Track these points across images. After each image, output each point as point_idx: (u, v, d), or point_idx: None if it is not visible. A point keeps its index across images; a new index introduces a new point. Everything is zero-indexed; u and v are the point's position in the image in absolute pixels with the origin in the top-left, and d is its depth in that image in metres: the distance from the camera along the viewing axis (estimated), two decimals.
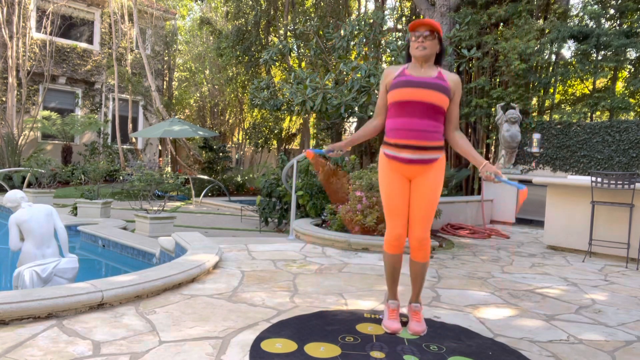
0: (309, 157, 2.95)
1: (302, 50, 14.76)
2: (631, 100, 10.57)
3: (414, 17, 13.90)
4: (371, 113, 7.42)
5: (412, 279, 2.82)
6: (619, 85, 12.11)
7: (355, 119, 12.83)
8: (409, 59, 2.77)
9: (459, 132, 2.75)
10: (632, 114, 11.28)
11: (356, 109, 7.37)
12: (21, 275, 3.88)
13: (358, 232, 5.73)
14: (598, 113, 12.07)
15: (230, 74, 17.54)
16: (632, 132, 8.31)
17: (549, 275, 4.56)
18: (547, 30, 9.84)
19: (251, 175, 15.42)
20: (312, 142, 18.41)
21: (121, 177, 13.03)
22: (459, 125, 2.78)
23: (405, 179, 2.71)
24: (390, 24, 14.38)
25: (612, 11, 10.20)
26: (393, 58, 8.26)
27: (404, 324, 2.85)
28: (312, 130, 18.19)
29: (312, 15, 16.22)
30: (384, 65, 9.70)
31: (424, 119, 2.59)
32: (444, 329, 2.86)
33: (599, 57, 9.72)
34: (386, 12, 12.25)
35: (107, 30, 17.60)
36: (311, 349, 2.46)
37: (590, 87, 12.01)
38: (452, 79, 2.67)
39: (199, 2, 18.30)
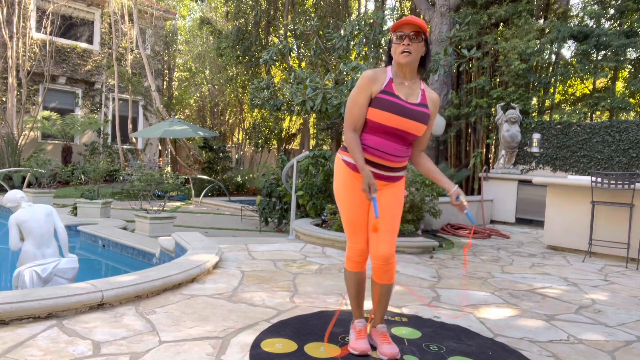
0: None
1: (302, 50, 14.76)
2: (631, 100, 10.58)
3: None
4: None
5: (375, 301, 2.52)
6: (619, 85, 12.11)
7: None
8: (389, 60, 2.46)
9: (424, 155, 2.58)
10: (632, 114, 11.28)
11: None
12: (21, 275, 3.88)
13: None
14: (598, 113, 12.07)
15: (230, 74, 17.55)
16: (632, 132, 8.32)
17: (549, 275, 4.56)
18: (547, 30, 9.84)
19: (251, 175, 15.42)
20: (312, 142, 18.42)
21: (121, 177, 13.04)
22: (425, 147, 2.59)
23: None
24: (390, 24, 14.38)
25: (612, 11, 10.20)
26: None
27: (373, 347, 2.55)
28: (312, 130, 18.20)
29: (312, 15, 16.23)
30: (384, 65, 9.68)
31: (401, 144, 2.40)
32: (444, 329, 2.86)
33: (599, 57, 9.72)
34: (386, 12, 12.25)
35: (107, 30, 17.60)
36: (311, 349, 2.46)
37: (590, 87, 12.01)
38: (432, 100, 2.45)
39: (199, 2, 18.30)
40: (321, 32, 12.90)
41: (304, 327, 2.76)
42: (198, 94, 20.29)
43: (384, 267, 2.42)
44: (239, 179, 14.62)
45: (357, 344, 2.46)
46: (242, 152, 20.94)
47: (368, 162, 2.42)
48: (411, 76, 2.41)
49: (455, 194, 2.39)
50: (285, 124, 19.49)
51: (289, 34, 15.76)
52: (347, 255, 2.53)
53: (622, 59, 9.39)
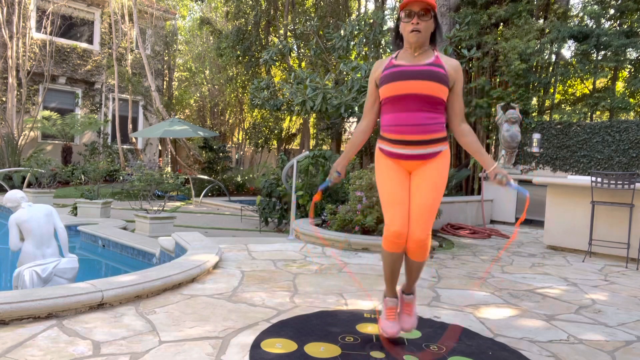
0: (317, 199, 2.75)
1: (302, 50, 14.76)
2: (631, 100, 10.57)
3: None
4: None
5: (406, 272, 2.52)
6: (619, 85, 12.11)
7: (355, 119, 12.82)
8: (397, 40, 2.43)
9: (466, 125, 2.40)
10: (632, 114, 11.28)
11: (356, 109, 7.37)
12: (21, 275, 3.88)
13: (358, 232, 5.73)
14: (598, 113, 12.08)
15: (230, 74, 17.55)
16: (632, 132, 8.32)
17: (549, 275, 4.56)
18: (547, 30, 9.85)
19: (251, 175, 15.42)
20: (312, 142, 18.41)
21: (121, 177, 13.03)
22: (464, 118, 2.40)
23: (404, 171, 2.41)
24: (390, 24, 14.37)
25: (612, 11, 10.20)
26: None
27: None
28: (312, 130, 18.20)
29: (312, 15, 16.22)
30: None
31: (421, 111, 2.28)
32: (444, 329, 2.86)
33: (599, 57, 9.72)
34: (386, 12, 12.25)
35: (107, 30, 17.60)
36: (311, 349, 2.46)
37: (590, 87, 12.01)
38: (451, 65, 2.33)
39: (199, 2, 18.30)
40: (321, 32, 12.90)
41: (304, 327, 2.76)
42: (198, 94, 20.30)
43: (417, 249, 2.36)
44: (239, 179, 14.63)
45: (387, 325, 2.48)
46: (242, 152, 20.94)
47: (397, 141, 2.34)
48: (422, 49, 2.36)
49: (493, 172, 2.30)
50: (285, 124, 19.50)
51: (289, 34, 15.76)
52: (385, 235, 2.38)
53: (622, 59, 9.40)
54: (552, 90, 11.00)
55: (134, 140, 17.69)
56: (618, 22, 10.34)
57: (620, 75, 11.49)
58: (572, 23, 10.24)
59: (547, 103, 11.03)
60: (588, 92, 12.11)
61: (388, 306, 2.56)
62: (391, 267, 2.48)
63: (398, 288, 2.65)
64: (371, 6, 22.10)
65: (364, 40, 8.73)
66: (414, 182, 2.38)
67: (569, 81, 12.67)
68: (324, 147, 18.29)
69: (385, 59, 2.44)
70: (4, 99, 15.15)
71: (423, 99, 2.28)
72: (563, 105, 12.03)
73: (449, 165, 2.43)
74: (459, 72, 2.36)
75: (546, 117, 10.71)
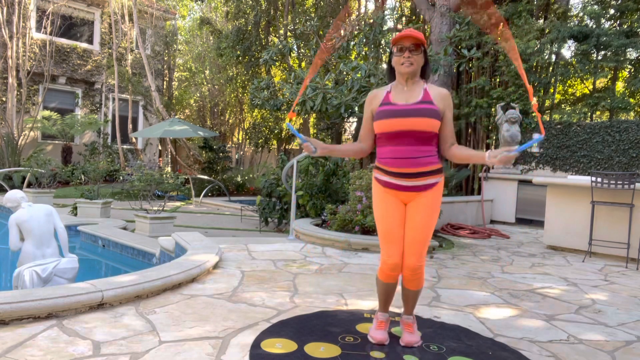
0: (291, 116, 2.68)
1: (302, 50, 14.76)
2: (631, 100, 10.58)
3: (414, 17, 13.90)
4: None
5: (403, 301, 2.64)
6: (619, 85, 12.12)
7: (355, 119, 12.82)
8: (391, 73, 2.56)
9: (454, 146, 2.49)
10: (632, 114, 11.28)
11: (356, 109, 7.37)
12: (21, 275, 3.88)
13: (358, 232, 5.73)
14: (598, 113, 12.08)
15: (230, 74, 17.55)
16: (632, 132, 8.31)
17: (549, 275, 4.56)
18: (547, 30, 9.85)
19: (251, 175, 15.42)
20: (317, 141, 18.37)
21: (121, 177, 13.03)
22: (455, 140, 2.52)
23: (401, 203, 2.51)
24: (390, 24, 14.37)
25: (612, 11, 10.21)
26: None
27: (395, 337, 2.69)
28: (312, 130, 18.19)
29: (312, 15, 16.22)
30: (384, 66, 9.69)
31: (415, 145, 2.40)
32: (444, 329, 2.86)
33: (599, 57, 9.72)
34: (386, 12, 12.25)
35: (107, 30, 17.60)
36: (311, 349, 2.46)
37: (590, 87, 12.01)
38: (440, 96, 2.45)
39: (199, 2, 18.30)
40: (321, 32, 12.90)
41: (304, 327, 2.76)
42: (198, 94, 20.30)
43: (412, 277, 2.49)
44: (239, 179, 14.63)
45: (375, 333, 2.60)
46: (242, 152, 20.94)
47: (393, 174, 2.45)
48: (413, 80, 2.49)
49: (491, 158, 2.22)
50: (285, 124, 19.48)
51: (289, 34, 15.76)
52: (381, 267, 2.53)
53: (622, 59, 9.40)
54: (552, 90, 11.00)
55: (134, 140, 17.69)
56: (618, 22, 10.35)
57: (620, 75, 11.49)
58: (572, 23, 10.24)
59: (547, 103, 11.03)
60: (588, 92, 12.11)
61: (379, 320, 2.66)
62: (385, 295, 2.62)
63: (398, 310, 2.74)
64: (371, 6, 22.10)
65: (364, 40, 8.73)
66: (409, 214, 2.50)
67: (569, 81, 12.67)
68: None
69: (382, 90, 2.55)
70: (4, 99, 15.15)
71: (416, 135, 2.40)
72: (563, 105, 12.03)
73: (442, 193, 2.55)
74: (448, 101, 2.47)
75: (546, 117, 10.71)
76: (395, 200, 2.51)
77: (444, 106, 2.46)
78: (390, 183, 2.49)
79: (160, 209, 6.86)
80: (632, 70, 10.54)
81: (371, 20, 9.12)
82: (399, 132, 2.40)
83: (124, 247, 5.83)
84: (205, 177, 12.93)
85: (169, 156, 19.78)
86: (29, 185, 10.92)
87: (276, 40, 16.02)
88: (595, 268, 5.06)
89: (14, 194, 4.21)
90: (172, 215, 6.68)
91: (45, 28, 15.60)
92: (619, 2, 9.82)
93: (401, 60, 2.42)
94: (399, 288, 3.58)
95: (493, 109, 10.09)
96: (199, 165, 16.51)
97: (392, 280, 2.53)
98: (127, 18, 17.13)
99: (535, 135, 2.17)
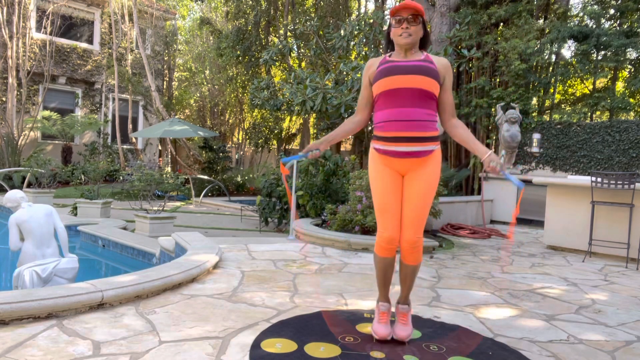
0: (284, 172, 2.75)
1: (302, 50, 14.76)
2: (631, 100, 10.58)
3: None
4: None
5: (401, 280, 2.60)
6: (619, 85, 12.12)
7: None
8: (389, 46, 2.54)
9: (456, 119, 2.49)
10: (632, 114, 11.29)
11: (356, 109, 7.38)
12: (21, 275, 3.88)
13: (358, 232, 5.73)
14: (598, 113, 12.07)
15: (230, 74, 17.55)
16: (632, 132, 8.32)
17: (549, 275, 4.56)
18: (547, 30, 9.85)
19: (251, 175, 15.42)
20: (312, 142, 18.40)
21: (121, 177, 13.04)
22: (455, 113, 2.50)
23: (398, 175, 2.48)
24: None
25: (612, 11, 10.20)
26: None
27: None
28: (312, 130, 18.19)
29: (312, 15, 16.22)
30: None
31: (415, 107, 2.36)
32: (444, 329, 2.86)
33: (599, 57, 9.72)
34: (386, 12, 12.25)
35: (107, 30, 17.60)
36: (311, 349, 2.46)
37: (590, 87, 12.02)
38: (440, 62, 2.44)
39: (199, 2, 18.30)
40: (321, 32, 12.90)
41: (304, 327, 2.76)
42: (198, 94, 20.30)
43: (410, 250, 2.46)
44: (239, 179, 14.62)
45: (378, 327, 2.56)
46: (242, 152, 20.94)
47: (392, 139, 2.41)
48: (412, 51, 2.47)
49: (488, 159, 2.33)
50: (285, 124, 19.49)
51: (289, 34, 15.75)
52: (377, 241, 2.50)
53: (622, 59, 9.40)
54: (552, 90, 11.00)
55: (134, 140, 17.69)
56: (618, 22, 10.35)
57: (620, 75, 11.49)
58: (572, 23, 10.24)
59: (547, 103, 11.03)
60: (588, 92, 12.11)
61: (380, 311, 2.64)
62: (383, 272, 2.57)
63: (393, 299, 2.70)
64: (371, 6, 22.11)
65: (364, 40, 8.73)
66: (407, 186, 2.47)
67: (569, 81, 12.67)
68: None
69: (379, 57, 2.54)
70: (4, 99, 15.15)
71: (416, 93, 2.37)
72: (563, 105, 12.03)
73: (440, 165, 2.51)
74: (448, 69, 2.47)
75: (546, 117, 10.71)
76: (392, 172, 2.48)
77: (445, 72, 2.45)
78: (388, 151, 2.44)
79: (160, 209, 6.86)
80: (632, 70, 10.54)
81: (371, 20, 9.13)
82: (398, 90, 2.37)
83: (124, 247, 5.83)
84: (205, 177, 12.93)
85: (169, 156, 19.78)
86: (29, 185, 10.93)
87: (276, 40, 16.02)
88: (595, 268, 5.06)
89: (14, 194, 4.21)
90: (172, 215, 6.68)
91: (45, 28, 15.61)
92: (619, 2, 9.83)
93: (399, 31, 2.39)
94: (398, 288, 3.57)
95: (493, 109, 10.09)
96: (199, 165, 16.52)
97: (388, 254, 2.49)
98: (127, 18, 17.14)
99: (517, 182, 2.22)
